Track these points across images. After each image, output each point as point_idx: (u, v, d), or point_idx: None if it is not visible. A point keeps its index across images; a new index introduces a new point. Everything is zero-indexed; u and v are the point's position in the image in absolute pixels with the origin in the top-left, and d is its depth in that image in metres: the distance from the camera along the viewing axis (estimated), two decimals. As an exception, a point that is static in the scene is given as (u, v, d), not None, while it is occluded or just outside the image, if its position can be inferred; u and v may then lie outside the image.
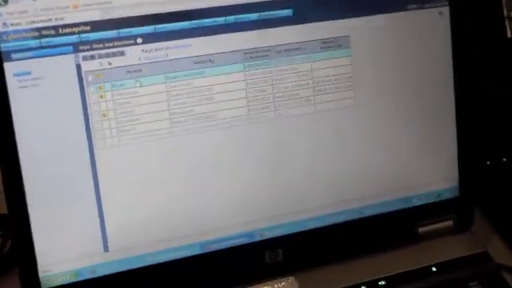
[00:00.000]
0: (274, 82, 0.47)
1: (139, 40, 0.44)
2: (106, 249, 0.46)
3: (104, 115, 0.44)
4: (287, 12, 0.46)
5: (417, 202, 0.52)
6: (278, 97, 0.47)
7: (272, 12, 0.46)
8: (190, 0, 0.44)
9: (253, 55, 0.46)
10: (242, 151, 0.47)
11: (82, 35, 0.43)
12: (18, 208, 0.44)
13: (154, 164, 0.46)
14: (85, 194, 0.45)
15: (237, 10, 0.45)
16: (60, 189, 0.44)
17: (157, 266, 0.47)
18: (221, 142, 0.47)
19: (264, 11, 0.46)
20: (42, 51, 0.42)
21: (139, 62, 0.44)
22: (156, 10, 0.44)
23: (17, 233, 0.45)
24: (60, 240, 0.45)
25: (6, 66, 0.42)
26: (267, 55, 0.46)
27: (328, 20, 0.47)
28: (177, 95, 0.45)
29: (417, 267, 0.50)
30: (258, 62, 0.46)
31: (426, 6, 0.49)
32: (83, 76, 0.43)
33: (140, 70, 0.44)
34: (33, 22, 0.42)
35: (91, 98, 0.44)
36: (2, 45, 0.42)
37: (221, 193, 0.47)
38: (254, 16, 0.46)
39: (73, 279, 0.46)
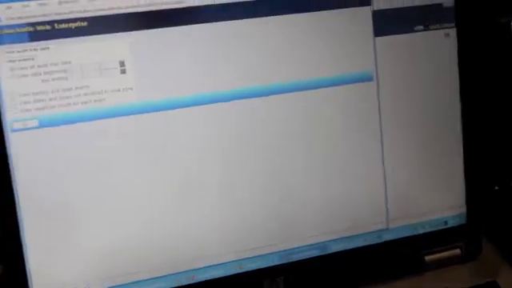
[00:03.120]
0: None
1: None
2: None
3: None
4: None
5: (423, 230, 0.51)
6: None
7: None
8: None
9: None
10: (237, 178, 0.46)
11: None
12: (10, 230, 0.43)
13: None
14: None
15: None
16: (55, 212, 0.43)
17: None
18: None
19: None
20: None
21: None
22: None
23: (9, 258, 0.43)
24: (54, 264, 0.43)
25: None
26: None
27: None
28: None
29: (423, 297, 0.49)
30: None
31: (432, 27, 0.49)
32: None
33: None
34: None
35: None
36: None
37: (215, 219, 0.46)
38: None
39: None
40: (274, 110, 0.46)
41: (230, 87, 0.45)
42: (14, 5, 0.41)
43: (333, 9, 0.46)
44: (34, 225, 0.43)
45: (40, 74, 0.42)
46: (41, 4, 0.42)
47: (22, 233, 0.43)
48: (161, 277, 0.46)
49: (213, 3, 0.44)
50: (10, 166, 0.42)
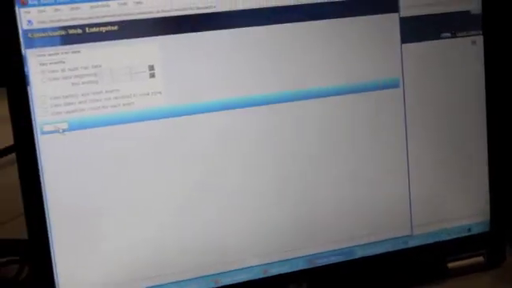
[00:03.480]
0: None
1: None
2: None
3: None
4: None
5: (447, 237, 0.51)
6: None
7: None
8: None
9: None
10: (260, 183, 0.46)
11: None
12: (39, 232, 0.43)
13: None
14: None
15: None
16: (83, 214, 0.43)
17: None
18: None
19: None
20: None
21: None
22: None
23: (37, 259, 0.44)
24: (81, 266, 0.44)
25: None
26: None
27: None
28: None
29: (447, 304, 0.49)
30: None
31: (459, 34, 0.49)
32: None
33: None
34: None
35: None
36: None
37: (242, 223, 0.46)
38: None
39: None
40: (301, 115, 0.46)
41: (261, 91, 0.45)
42: (46, 8, 0.42)
43: (361, 16, 0.46)
44: (62, 226, 0.43)
45: (70, 78, 0.42)
46: (72, 8, 0.42)
47: (49, 234, 0.43)
48: (185, 280, 0.46)
49: (244, 8, 0.44)
50: (40, 169, 0.42)
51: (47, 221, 0.43)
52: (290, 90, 0.46)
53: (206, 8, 0.44)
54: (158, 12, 0.43)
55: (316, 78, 0.46)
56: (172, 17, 0.43)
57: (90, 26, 0.42)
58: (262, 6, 0.44)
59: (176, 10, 0.43)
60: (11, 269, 0.53)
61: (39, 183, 0.43)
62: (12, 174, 0.43)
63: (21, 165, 0.43)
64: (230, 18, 0.44)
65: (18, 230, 0.46)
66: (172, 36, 0.43)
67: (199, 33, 0.44)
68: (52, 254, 0.43)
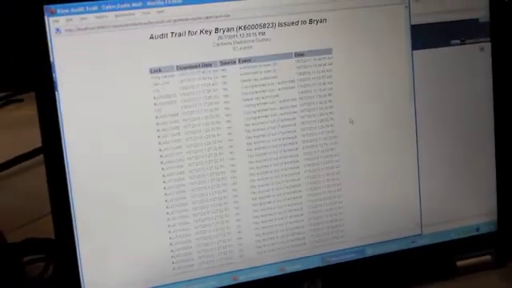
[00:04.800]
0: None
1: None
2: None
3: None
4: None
5: (456, 236, 0.52)
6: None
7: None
8: None
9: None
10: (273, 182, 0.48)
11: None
12: (65, 231, 0.45)
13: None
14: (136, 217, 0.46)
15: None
16: (110, 210, 0.45)
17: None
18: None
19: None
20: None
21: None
22: None
23: (63, 256, 0.45)
24: (107, 266, 0.46)
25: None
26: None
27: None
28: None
29: (455, 302, 0.50)
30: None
31: (468, 41, 0.50)
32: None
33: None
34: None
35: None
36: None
37: (259, 221, 0.48)
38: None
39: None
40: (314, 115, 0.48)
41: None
42: (73, 17, 0.44)
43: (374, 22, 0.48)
44: (89, 226, 0.45)
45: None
46: (98, 17, 0.44)
47: (75, 233, 0.45)
48: (204, 277, 0.48)
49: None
50: (66, 170, 0.44)
51: (73, 220, 0.45)
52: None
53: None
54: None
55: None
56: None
57: (115, 34, 0.44)
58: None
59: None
60: (36, 267, 0.54)
61: (66, 184, 0.44)
62: (40, 175, 0.45)
63: (48, 166, 0.45)
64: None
65: (44, 230, 0.48)
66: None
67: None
68: (78, 253, 0.45)
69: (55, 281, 0.53)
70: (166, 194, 0.46)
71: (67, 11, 0.43)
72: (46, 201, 0.45)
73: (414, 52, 0.49)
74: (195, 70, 0.46)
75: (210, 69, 0.46)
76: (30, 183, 0.52)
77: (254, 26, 0.46)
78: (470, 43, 0.50)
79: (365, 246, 0.51)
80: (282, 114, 0.47)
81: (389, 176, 0.50)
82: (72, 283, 0.45)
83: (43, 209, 0.45)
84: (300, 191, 0.48)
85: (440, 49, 0.50)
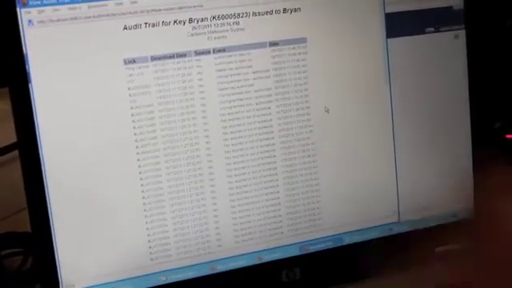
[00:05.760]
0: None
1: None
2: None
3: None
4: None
5: (433, 223, 0.53)
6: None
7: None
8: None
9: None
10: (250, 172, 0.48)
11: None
12: (41, 224, 0.45)
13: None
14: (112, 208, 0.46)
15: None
16: (86, 202, 0.45)
17: (172, 285, 0.48)
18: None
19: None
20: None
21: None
22: None
23: (40, 249, 0.45)
24: (83, 256, 0.46)
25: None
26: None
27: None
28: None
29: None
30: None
31: (442, 29, 0.51)
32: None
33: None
34: None
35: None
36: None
37: (236, 211, 0.48)
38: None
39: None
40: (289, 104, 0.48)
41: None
42: (45, 9, 0.43)
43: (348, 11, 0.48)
44: (64, 218, 0.45)
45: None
46: (71, 8, 0.44)
47: (52, 225, 0.45)
48: (181, 267, 0.48)
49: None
50: (42, 164, 0.44)
51: (49, 213, 0.45)
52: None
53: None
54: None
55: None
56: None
57: (89, 25, 0.44)
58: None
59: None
60: (15, 260, 0.54)
61: (42, 177, 0.44)
62: (17, 170, 0.45)
63: (24, 159, 0.44)
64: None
65: (22, 224, 0.48)
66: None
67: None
68: (55, 246, 0.45)
69: (34, 274, 0.53)
70: (142, 185, 0.46)
71: (39, 2, 0.43)
72: (24, 195, 0.45)
73: (388, 40, 0.50)
74: (170, 60, 0.46)
75: (184, 59, 0.46)
76: (6, 178, 0.51)
77: (228, 16, 0.46)
78: (444, 31, 0.51)
79: (342, 234, 0.51)
80: (257, 104, 0.47)
81: (365, 164, 0.50)
82: (50, 276, 0.45)
83: (21, 203, 0.44)
84: (277, 180, 0.49)
85: (415, 36, 0.50)
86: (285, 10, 0.47)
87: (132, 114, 0.45)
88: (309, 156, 0.49)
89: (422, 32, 0.50)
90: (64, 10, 0.44)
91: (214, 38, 0.46)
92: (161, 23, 0.45)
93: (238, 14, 0.46)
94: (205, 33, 0.46)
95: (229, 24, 0.46)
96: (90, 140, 0.45)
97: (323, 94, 0.49)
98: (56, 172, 0.44)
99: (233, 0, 0.46)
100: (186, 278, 0.48)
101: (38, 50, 0.43)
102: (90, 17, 0.44)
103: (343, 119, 0.49)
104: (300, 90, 0.48)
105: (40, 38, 0.43)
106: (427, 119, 0.51)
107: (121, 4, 0.44)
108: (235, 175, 0.48)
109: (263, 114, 0.48)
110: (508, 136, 0.57)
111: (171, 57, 0.46)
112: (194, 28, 0.46)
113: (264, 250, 0.49)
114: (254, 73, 0.47)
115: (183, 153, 0.46)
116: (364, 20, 0.49)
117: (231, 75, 0.47)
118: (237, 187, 0.48)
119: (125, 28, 0.45)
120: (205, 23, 0.46)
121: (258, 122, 0.48)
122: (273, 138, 0.48)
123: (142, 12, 0.45)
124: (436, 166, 0.52)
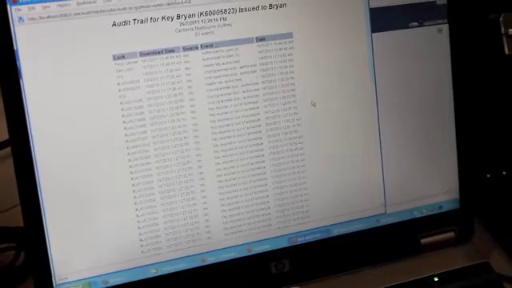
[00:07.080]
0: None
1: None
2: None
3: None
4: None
5: (419, 214, 0.54)
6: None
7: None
8: None
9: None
10: (239, 164, 0.49)
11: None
12: (33, 219, 0.45)
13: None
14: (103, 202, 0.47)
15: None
16: (77, 197, 0.46)
17: (163, 277, 0.49)
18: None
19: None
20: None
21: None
22: None
23: (32, 243, 0.46)
24: (75, 250, 0.46)
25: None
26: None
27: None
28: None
29: (419, 277, 0.52)
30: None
31: (426, 23, 0.51)
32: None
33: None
34: None
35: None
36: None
37: (226, 204, 0.49)
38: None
39: (86, 288, 0.47)
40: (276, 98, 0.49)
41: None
42: (36, 6, 0.44)
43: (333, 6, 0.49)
44: (56, 213, 0.46)
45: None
46: (60, 5, 0.44)
47: (44, 221, 0.46)
48: (172, 260, 0.49)
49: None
50: (34, 160, 0.45)
51: (41, 206, 0.45)
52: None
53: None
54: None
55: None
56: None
57: (78, 21, 0.45)
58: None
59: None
60: (8, 255, 0.55)
61: (33, 172, 0.45)
62: (9, 166, 0.45)
63: (16, 155, 0.45)
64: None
65: (15, 219, 0.48)
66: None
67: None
68: (47, 240, 0.46)
69: (26, 269, 0.53)
70: (132, 179, 0.47)
71: (29, 0, 0.44)
72: (16, 190, 0.45)
73: (373, 34, 0.50)
74: (158, 56, 0.46)
75: (172, 54, 0.47)
76: (0, 174, 0.52)
77: (216, 12, 0.47)
78: (428, 25, 0.52)
79: (330, 225, 0.52)
80: (245, 98, 0.48)
81: (352, 156, 0.51)
82: (42, 270, 0.46)
83: (14, 198, 0.45)
84: (265, 173, 0.49)
85: (399, 31, 0.51)
86: (271, 6, 0.48)
87: (122, 109, 0.46)
88: (296, 149, 0.50)
89: (406, 26, 0.51)
90: (54, 7, 0.44)
91: (202, 33, 0.47)
92: (149, 19, 0.46)
93: (225, 10, 0.47)
94: (192, 29, 0.47)
95: (216, 20, 0.47)
96: (81, 135, 0.46)
97: (310, 88, 0.49)
98: (48, 167, 0.45)
99: (220, -4, 0.47)
100: (176, 270, 0.49)
101: (28, 46, 0.44)
102: (79, 13, 0.45)
103: (330, 113, 0.50)
104: (287, 85, 0.49)
105: (30, 35, 0.44)
106: (412, 113, 0.52)
107: (109, 1, 0.45)
108: (224, 168, 0.48)
109: (251, 108, 0.48)
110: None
111: (160, 52, 0.46)
112: (182, 24, 0.47)
113: (253, 242, 0.50)
114: (241, 67, 0.48)
115: (172, 147, 0.47)
116: (349, 15, 0.50)
117: (219, 70, 0.47)
118: (226, 180, 0.49)
119: (114, 24, 0.45)
120: (192, 19, 0.47)
121: (246, 116, 0.48)
122: (260, 132, 0.49)
123: (130, 8, 0.45)
124: (421, 159, 0.53)
